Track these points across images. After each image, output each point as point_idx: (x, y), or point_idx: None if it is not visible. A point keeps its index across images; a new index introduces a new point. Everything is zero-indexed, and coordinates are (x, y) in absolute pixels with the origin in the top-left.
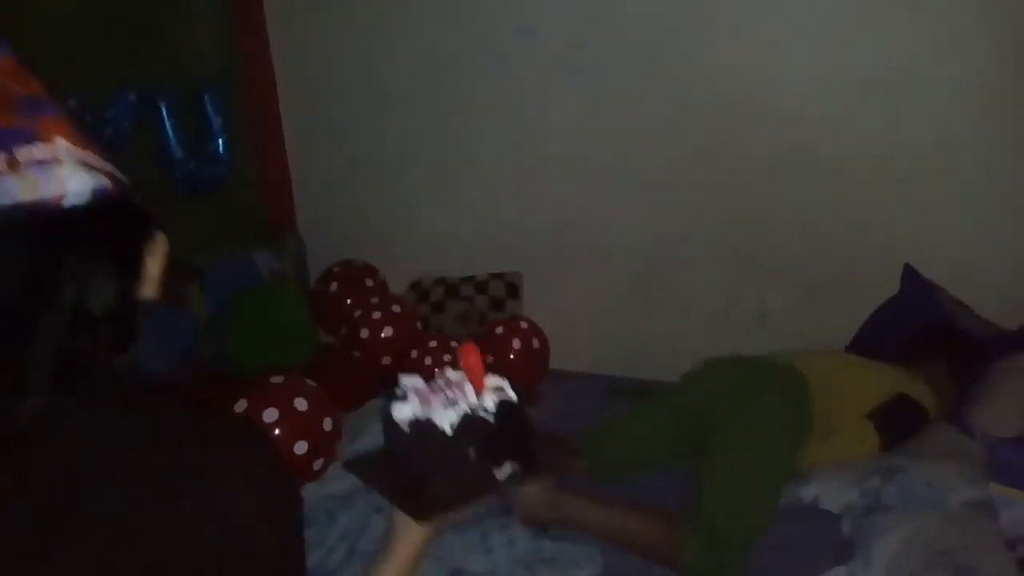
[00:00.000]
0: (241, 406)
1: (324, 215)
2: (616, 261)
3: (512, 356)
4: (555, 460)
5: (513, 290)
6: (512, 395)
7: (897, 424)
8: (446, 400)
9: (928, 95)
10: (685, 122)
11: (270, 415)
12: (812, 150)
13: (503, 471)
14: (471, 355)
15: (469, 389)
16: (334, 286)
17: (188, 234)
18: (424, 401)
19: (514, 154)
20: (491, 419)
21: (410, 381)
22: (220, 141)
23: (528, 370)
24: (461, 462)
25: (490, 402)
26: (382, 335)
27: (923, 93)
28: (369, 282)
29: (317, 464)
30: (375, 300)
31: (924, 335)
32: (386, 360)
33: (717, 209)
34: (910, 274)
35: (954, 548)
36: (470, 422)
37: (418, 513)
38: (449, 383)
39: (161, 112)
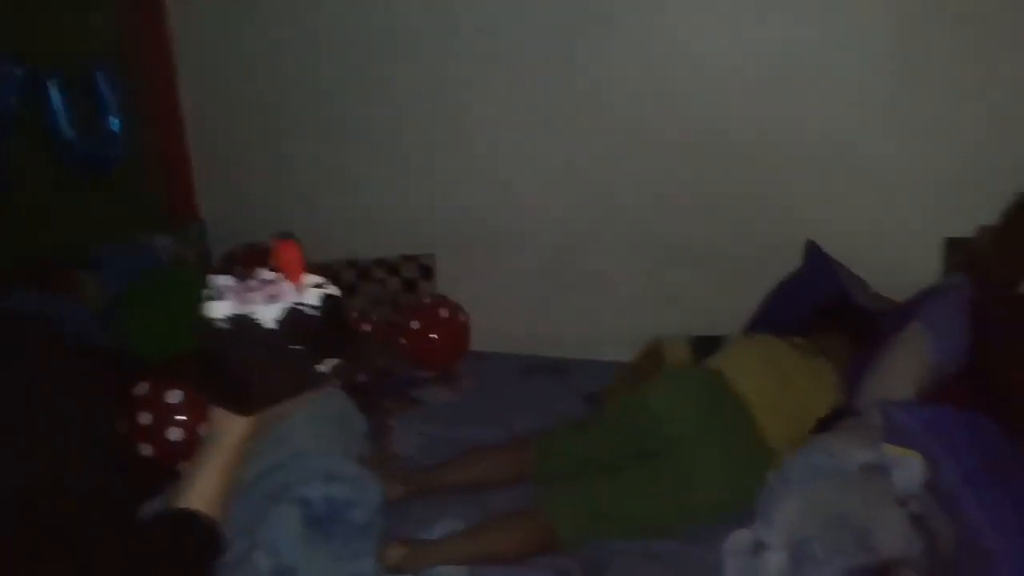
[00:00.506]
0: (143, 389)
1: (229, 199)
2: (531, 242)
3: (434, 335)
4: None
5: (427, 272)
6: (334, 289)
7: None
8: (267, 296)
9: (833, 82)
10: (599, 104)
11: (174, 397)
12: (722, 135)
13: (327, 365)
14: (291, 251)
15: (287, 286)
16: (237, 270)
17: (82, 218)
18: (241, 299)
19: (427, 134)
20: (315, 313)
21: (222, 280)
22: (114, 120)
23: (448, 349)
24: (285, 356)
25: (312, 297)
26: None
27: (828, 80)
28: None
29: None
30: None
31: (823, 309)
32: None
33: (632, 191)
34: (812, 250)
35: (851, 510)
36: (294, 316)
37: (242, 409)
38: (265, 281)
39: (49, 90)
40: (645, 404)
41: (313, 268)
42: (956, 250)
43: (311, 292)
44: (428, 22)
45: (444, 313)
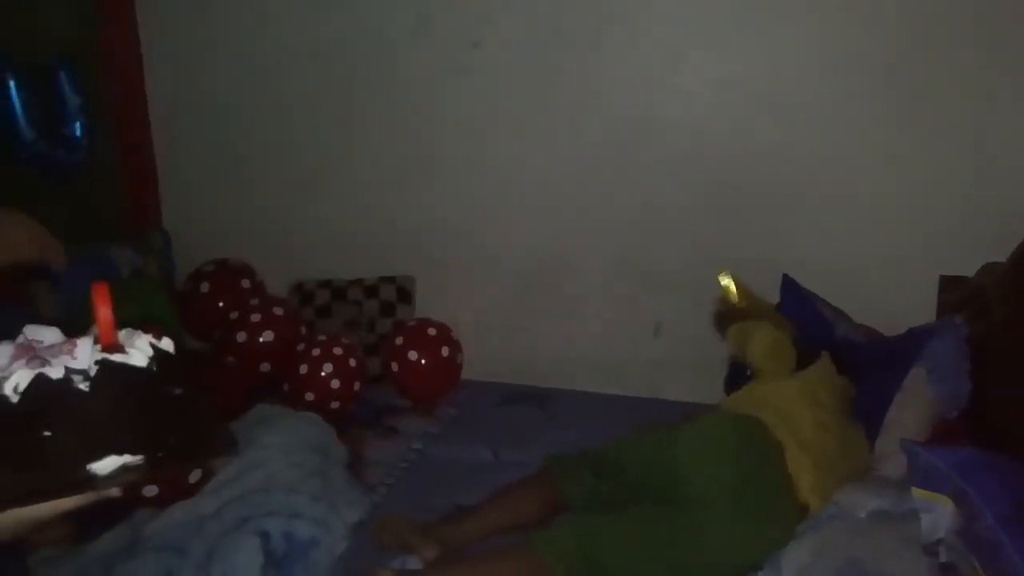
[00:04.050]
0: None
1: (194, 210)
2: (510, 267)
3: (423, 362)
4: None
5: (405, 295)
6: (168, 345)
7: None
8: (30, 360)
9: (814, 111)
10: (581, 127)
11: None
12: (703, 162)
13: (107, 462)
14: (101, 298)
15: (82, 346)
16: (205, 287)
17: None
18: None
19: (406, 152)
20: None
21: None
22: (77, 123)
23: (437, 378)
24: (23, 446)
25: (137, 357)
26: (261, 339)
27: (809, 109)
28: (246, 283)
29: (194, 476)
30: (254, 302)
31: (806, 344)
32: (265, 367)
33: (611, 218)
34: (787, 284)
35: (864, 557)
36: (43, 388)
37: None
38: (49, 344)
39: (9, 87)
40: (674, 455)
41: (278, 288)
42: (952, 288)
43: (135, 351)
44: (407, 37)
45: (437, 339)
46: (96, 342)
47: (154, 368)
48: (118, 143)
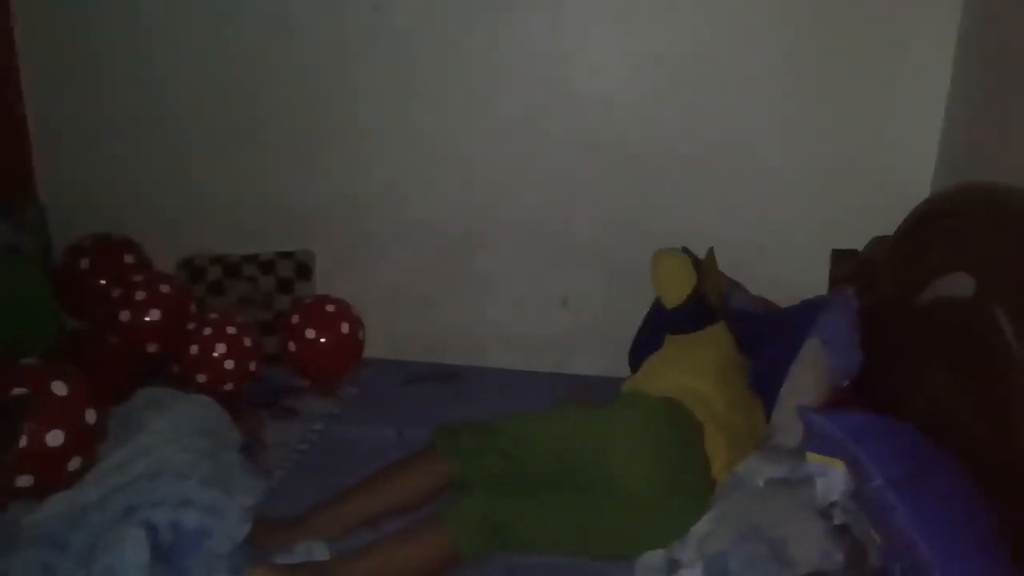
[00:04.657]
0: None
1: (72, 180)
2: (417, 241)
3: (322, 340)
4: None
5: (304, 270)
6: None
7: None
8: None
9: (717, 87)
10: (493, 98)
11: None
12: (612, 135)
13: None
14: None
15: None
16: (85, 262)
17: None
18: None
19: (306, 120)
20: None
21: None
22: None
23: (337, 356)
24: None
25: None
26: (147, 318)
27: (713, 84)
28: (129, 259)
29: (73, 464)
30: (138, 279)
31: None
32: (152, 347)
33: (522, 191)
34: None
35: (762, 522)
36: None
37: None
38: None
39: None
40: (596, 441)
41: (165, 264)
42: (843, 261)
43: None
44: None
45: (336, 316)
46: None
47: None
48: None
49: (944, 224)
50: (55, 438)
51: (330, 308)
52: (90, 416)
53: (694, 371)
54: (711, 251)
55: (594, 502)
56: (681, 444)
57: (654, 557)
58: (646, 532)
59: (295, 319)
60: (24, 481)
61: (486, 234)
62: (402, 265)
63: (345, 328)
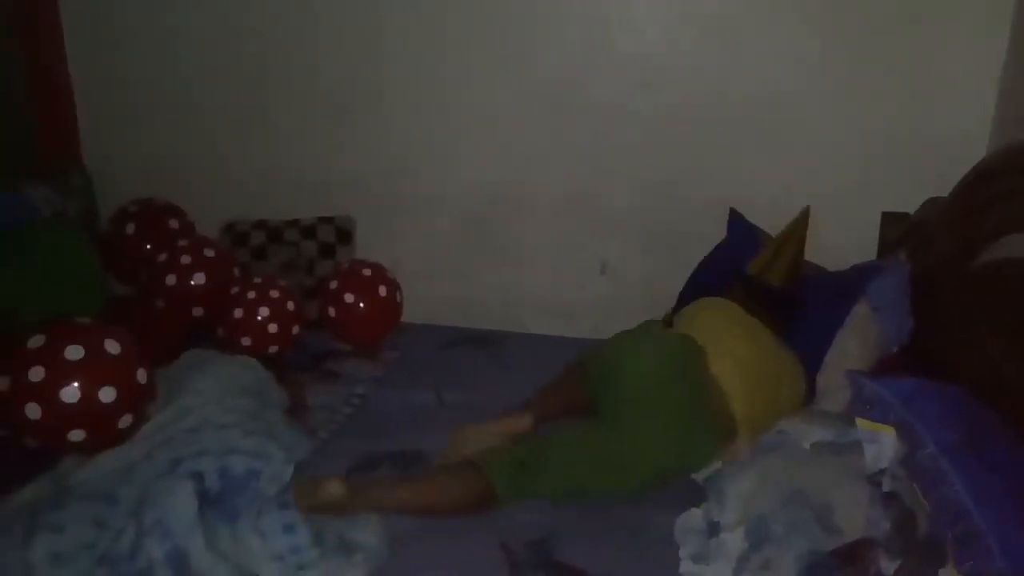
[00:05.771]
0: (38, 342)
1: (117, 147)
2: (454, 207)
3: (361, 304)
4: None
5: (345, 236)
6: None
7: None
8: None
9: (763, 48)
10: (527, 62)
11: (74, 352)
12: (652, 98)
13: None
14: None
15: None
16: (131, 228)
17: None
18: None
19: (343, 88)
20: None
21: None
22: None
23: (376, 319)
24: None
25: None
26: (192, 282)
27: (758, 45)
28: (174, 224)
29: (124, 421)
30: (183, 243)
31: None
32: (197, 311)
33: (560, 155)
34: (735, 218)
35: (808, 487)
36: None
37: None
38: None
39: None
40: (619, 362)
41: (209, 229)
42: (893, 224)
43: None
44: None
45: (373, 280)
46: None
47: None
48: (30, 74)
49: (1003, 184)
50: (107, 394)
51: (367, 272)
52: (141, 375)
53: (716, 311)
54: (807, 209)
55: (605, 424)
56: (683, 365)
57: (692, 518)
58: (655, 446)
59: (333, 284)
60: (76, 435)
61: (524, 199)
62: (439, 230)
63: (383, 291)
